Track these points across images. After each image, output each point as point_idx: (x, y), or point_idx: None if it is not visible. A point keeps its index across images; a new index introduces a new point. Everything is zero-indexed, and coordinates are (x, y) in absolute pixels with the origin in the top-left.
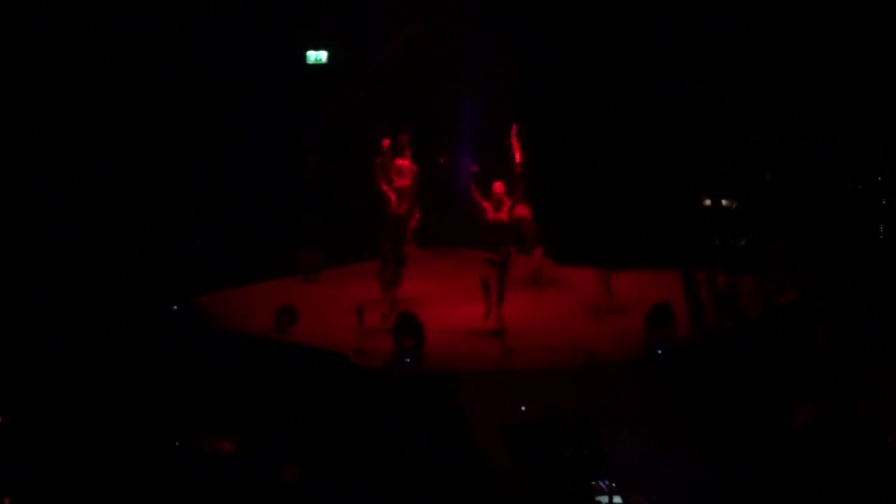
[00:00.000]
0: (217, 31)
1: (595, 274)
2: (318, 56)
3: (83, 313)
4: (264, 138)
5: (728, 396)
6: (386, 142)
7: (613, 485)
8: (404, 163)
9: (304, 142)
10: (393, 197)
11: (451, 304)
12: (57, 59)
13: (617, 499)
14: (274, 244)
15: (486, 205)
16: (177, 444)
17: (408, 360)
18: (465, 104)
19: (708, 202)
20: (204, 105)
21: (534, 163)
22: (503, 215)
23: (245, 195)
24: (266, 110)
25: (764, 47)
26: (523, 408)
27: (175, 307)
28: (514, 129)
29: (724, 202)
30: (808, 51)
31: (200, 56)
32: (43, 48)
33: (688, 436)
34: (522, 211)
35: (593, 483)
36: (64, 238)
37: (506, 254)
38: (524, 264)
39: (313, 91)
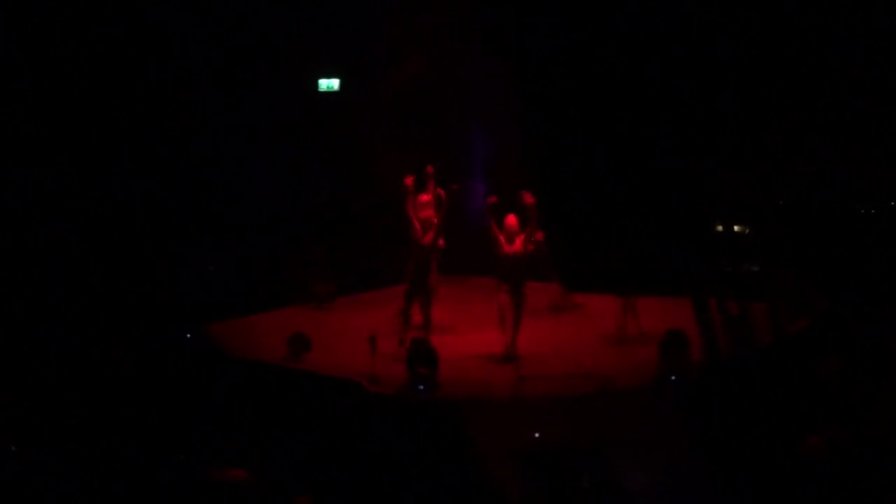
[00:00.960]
0: (230, 60)
1: (616, 302)
2: (329, 84)
3: (96, 342)
4: (277, 166)
5: (741, 423)
6: (409, 179)
7: None
8: (428, 195)
9: (316, 169)
10: (418, 226)
11: (463, 332)
12: (76, 96)
13: None
14: (286, 272)
15: (501, 237)
16: (189, 472)
17: (421, 387)
18: (475, 130)
19: (720, 228)
20: (217, 133)
21: (545, 189)
22: (518, 247)
23: (258, 223)
24: (278, 138)
25: (779, 74)
26: (536, 435)
27: (188, 335)
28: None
29: (736, 228)
30: (822, 77)
31: (214, 84)
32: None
33: (701, 462)
34: (538, 238)
35: None
36: (76, 267)
37: (523, 284)
38: (541, 292)
39: (325, 118)
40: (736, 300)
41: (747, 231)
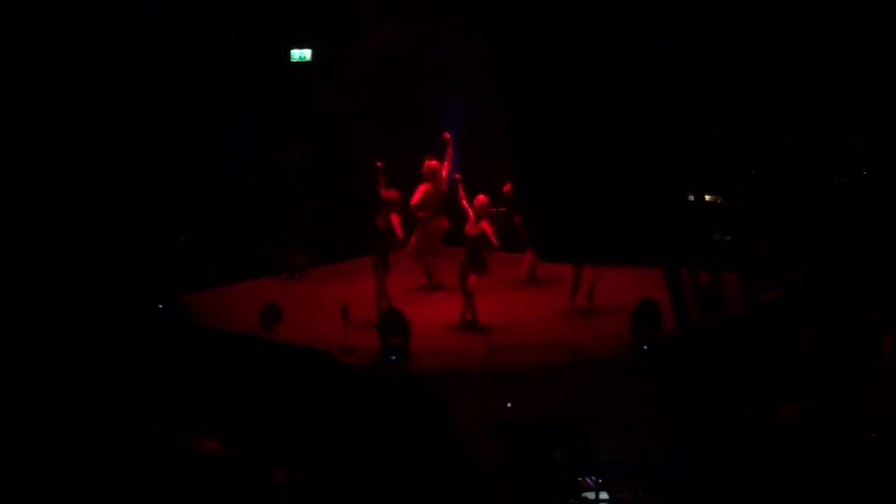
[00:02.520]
0: (198, 29)
1: (576, 272)
2: (302, 54)
3: (67, 312)
4: (248, 137)
5: (714, 393)
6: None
7: (600, 481)
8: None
9: (288, 140)
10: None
11: (435, 301)
12: (33, 52)
13: (603, 495)
14: (259, 243)
15: (471, 213)
16: (162, 443)
17: (393, 357)
18: (451, 106)
19: (692, 197)
20: (187, 103)
21: (519, 160)
22: (485, 226)
23: (230, 194)
24: (250, 108)
25: (754, 36)
26: (509, 405)
27: (160, 306)
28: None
29: (708, 197)
30: (799, 41)
31: (182, 54)
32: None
33: (674, 432)
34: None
35: (580, 480)
36: (46, 237)
37: (480, 257)
38: (516, 262)
39: (297, 89)
40: (708, 270)
41: (719, 201)
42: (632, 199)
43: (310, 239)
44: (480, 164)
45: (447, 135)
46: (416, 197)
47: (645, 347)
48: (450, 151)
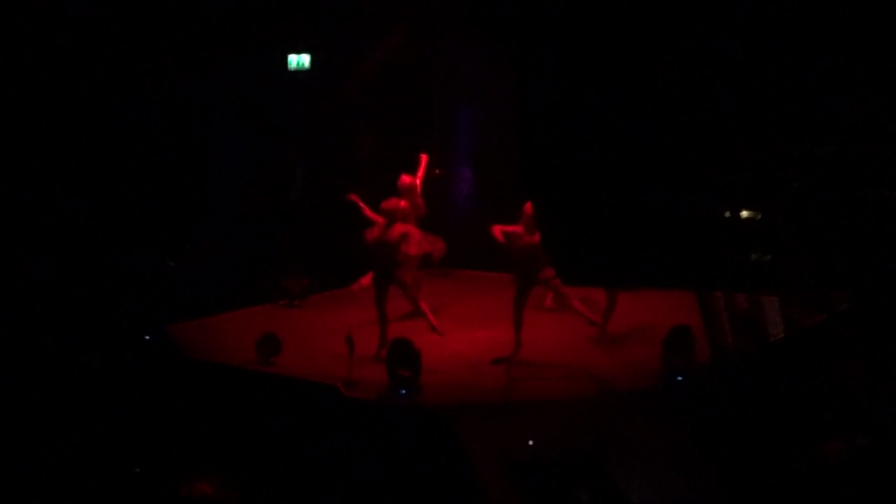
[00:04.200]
0: (190, 34)
1: (610, 295)
2: (300, 61)
3: (48, 343)
4: (243, 151)
5: (753, 428)
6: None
7: None
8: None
9: (286, 155)
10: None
11: (448, 331)
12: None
13: None
14: (255, 267)
15: (519, 228)
16: (152, 486)
17: (403, 391)
18: (462, 113)
19: (727, 214)
20: (177, 115)
21: (538, 175)
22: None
23: (224, 213)
24: (244, 121)
25: (795, 38)
26: (530, 443)
27: (147, 337)
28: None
29: (744, 213)
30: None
31: (170, 62)
32: None
33: (710, 472)
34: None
35: None
36: (24, 261)
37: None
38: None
39: (296, 100)
40: (745, 293)
41: (758, 216)
42: (662, 216)
43: (311, 262)
44: (496, 179)
45: (424, 156)
46: None
47: (678, 379)
48: (421, 171)
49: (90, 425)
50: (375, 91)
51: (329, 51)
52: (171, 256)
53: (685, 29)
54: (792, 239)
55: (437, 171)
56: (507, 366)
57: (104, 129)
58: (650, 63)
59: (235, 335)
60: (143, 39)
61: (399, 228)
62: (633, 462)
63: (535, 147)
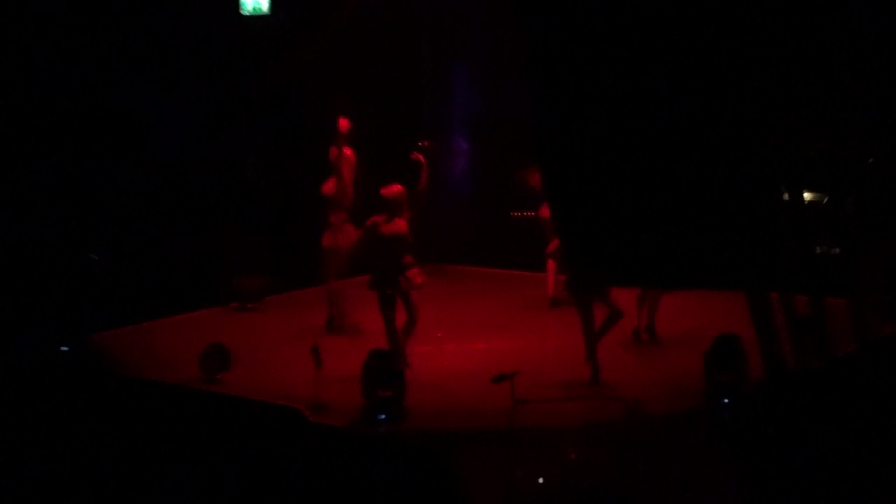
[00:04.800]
0: None
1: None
2: (257, 4)
3: None
4: (185, 117)
5: (818, 460)
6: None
7: None
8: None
9: (239, 123)
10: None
11: (439, 340)
12: None
13: None
14: (200, 262)
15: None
16: None
17: (383, 416)
18: (456, 71)
19: (786, 196)
20: (99, 71)
21: (549, 151)
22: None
23: (161, 195)
24: (186, 79)
25: None
26: (541, 480)
27: (65, 348)
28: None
29: (808, 196)
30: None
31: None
32: None
33: None
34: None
35: None
36: None
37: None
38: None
39: (252, 53)
40: (808, 295)
41: (825, 200)
42: (705, 200)
43: (268, 257)
44: (497, 151)
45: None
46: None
47: (724, 400)
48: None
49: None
50: (350, 42)
51: None
52: (94, 248)
53: None
54: (866, 228)
55: (426, 143)
56: (512, 384)
57: (17, 94)
58: (699, 12)
59: (175, 346)
60: None
61: (402, 222)
62: (666, 499)
63: (549, 114)
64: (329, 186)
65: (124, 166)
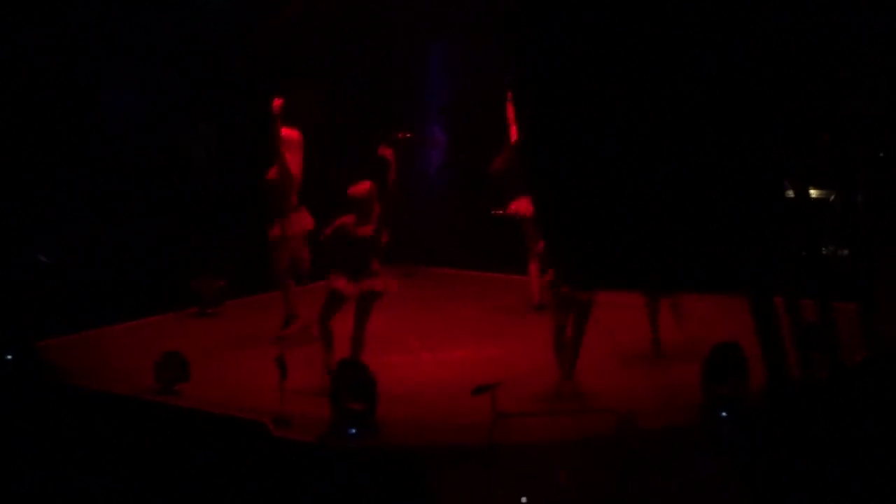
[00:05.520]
0: None
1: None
2: None
3: None
4: (135, 108)
5: (825, 478)
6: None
7: None
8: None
9: (193, 111)
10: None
11: (414, 349)
12: None
13: None
14: (155, 263)
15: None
16: None
17: (353, 430)
18: (433, 53)
19: (790, 193)
20: (42, 51)
21: (535, 141)
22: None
23: (111, 192)
24: (138, 65)
25: None
26: (524, 500)
27: (9, 357)
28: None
29: (814, 192)
30: None
31: None
32: None
33: None
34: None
35: None
36: None
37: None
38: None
39: (208, 35)
40: (815, 299)
41: (832, 197)
42: (702, 196)
43: (227, 258)
44: (479, 144)
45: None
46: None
47: (722, 414)
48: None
49: None
50: (315, 21)
51: None
52: (41, 248)
53: None
54: (877, 225)
55: (405, 134)
56: (493, 396)
57: None
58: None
59: (128, 354)
60: None
61: (372, 223)
62: None
63: (533, 98)
64: (272, 173)
65: (72, 156)
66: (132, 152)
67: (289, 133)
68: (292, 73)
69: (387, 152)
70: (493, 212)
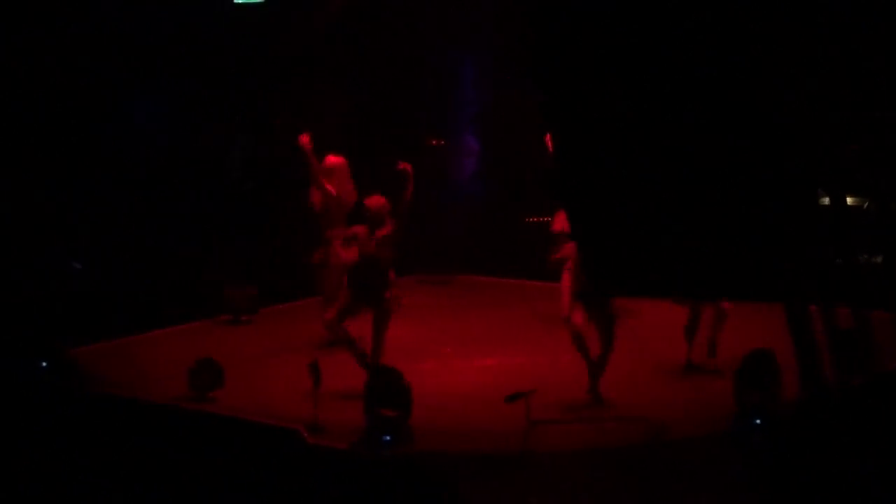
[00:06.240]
0: None
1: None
2: None
3: None
4: (171, 116)
5: (861, 489)
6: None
7: None
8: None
9: (229, 122)
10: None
11: (448, 356)
12: None
13: None
14: (189, 272)
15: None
16: None
17: (387, 437)
18: (465, 65)
19: (826, 201)
20: (81, 63)
21: (565, 149)
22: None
23: (144, 200)
24: (173, 74)
25: None
26: None
27: (44, 364)
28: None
29: (849, 201)
30: None
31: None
32: None
33: None
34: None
35: None
36: None
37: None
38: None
39: (243, 44)
40: (850, 306)
41: (866, 205)
42: (737, 205)
43: (261, 266)
44: (511, 153)
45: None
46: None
47: (756, 422)
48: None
49: None
50: (350, 35)
51: None
52: (76, 256)
53: None
54: None
55: (434, 142)
56: (527, 403)
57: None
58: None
59: (162, 362)
60: None
61: (384, 234)
62: None
63: (562, 112)
64: (315, 196)
65: (109, 166)
66: (167, 160)
67: (333, 161)
68: (331, 84)
69: (406, 166)
70: (526, 219)
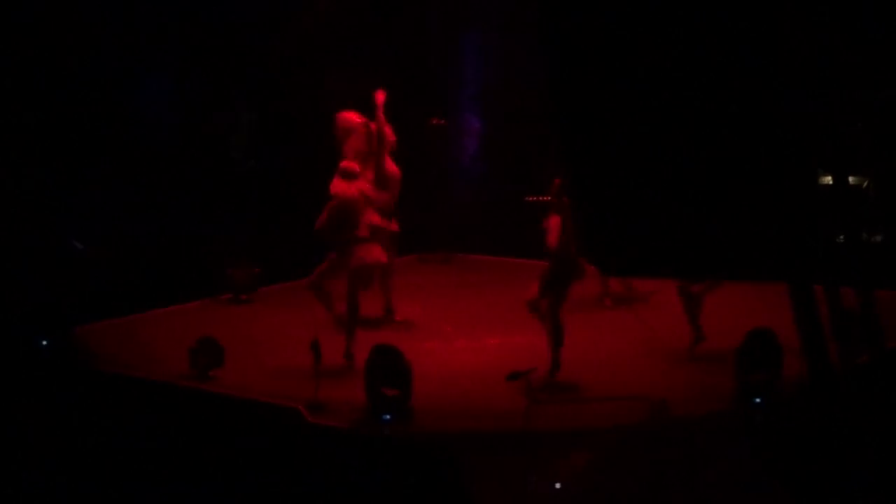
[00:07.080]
0: None
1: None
2: None
3: None
4: (172, 96)
5: (864, 470)
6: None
7: None
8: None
9: (231, 102)
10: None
11: (449, 335)
12: None
13: None
14: (189, 250)
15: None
16: None
17: (388, 416)
18: (467, 42)
19: (828, 180)
20: (81, 47)
21: (570, 129)
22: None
23: (146, 180)
24: (174, 54)
25: None
26: (558, 485)
27: (44, 342)
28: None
29: (852, 180)
30: None
31: None
32: None
33: None
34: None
35: None
36: None
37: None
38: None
39: (243, 24)
40: (854, 286)
41: (866, 184)
42: (738, 185)
43: (262, 245)
44: (513, 132)
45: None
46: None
47: (756, 401)
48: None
49: None
50: (350, 10)
51: None
52: (77, 235)
53: None
54: None
55: (435, 121)
56: (528, 382)
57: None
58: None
59: (163, 340)
60: None
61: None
62: None
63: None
64: (337, 187)
65: (107, 146)
66: (170, 140)
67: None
68: (331, 61)
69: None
70: (527, 198)
